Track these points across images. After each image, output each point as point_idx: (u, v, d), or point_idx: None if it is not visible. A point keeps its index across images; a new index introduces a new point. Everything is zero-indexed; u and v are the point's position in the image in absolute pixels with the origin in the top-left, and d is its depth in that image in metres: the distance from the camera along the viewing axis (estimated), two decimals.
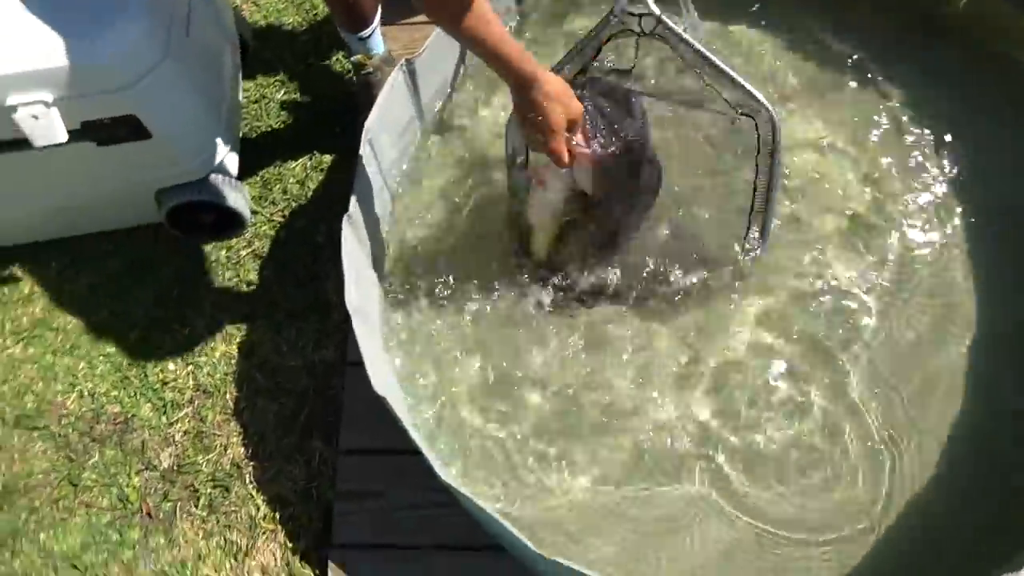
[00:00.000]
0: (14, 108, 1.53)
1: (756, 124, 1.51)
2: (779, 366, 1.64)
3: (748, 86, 1.46)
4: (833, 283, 1.71)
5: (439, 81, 1.83)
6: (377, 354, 1.49)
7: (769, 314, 1.69)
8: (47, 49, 1.50)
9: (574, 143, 1.47)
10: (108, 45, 1.51)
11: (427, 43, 1.67)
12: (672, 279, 1.68)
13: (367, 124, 1.58)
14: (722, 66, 1.45)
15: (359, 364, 1.74)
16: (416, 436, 1.38)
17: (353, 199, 1.55)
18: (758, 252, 1.67)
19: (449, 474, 1.42)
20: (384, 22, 2.04)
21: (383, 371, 1.44)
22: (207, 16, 1.83)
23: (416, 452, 1.64)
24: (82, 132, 1.63)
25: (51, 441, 1.85)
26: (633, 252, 1.70)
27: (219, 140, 1.83)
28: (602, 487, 1.57)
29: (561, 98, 1.40)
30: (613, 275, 1.69)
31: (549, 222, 1.65)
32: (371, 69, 1.89)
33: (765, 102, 1.47)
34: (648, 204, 1.66)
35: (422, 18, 1.91)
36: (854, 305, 1.69)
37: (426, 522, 1.63)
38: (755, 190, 1.60)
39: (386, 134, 1.67)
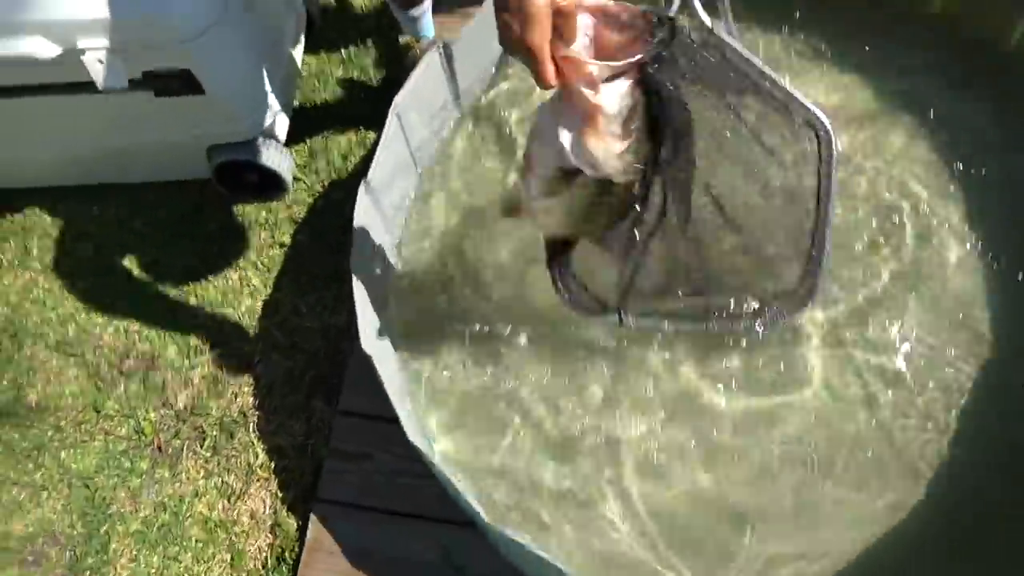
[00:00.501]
0: (83, 51, 1.66)
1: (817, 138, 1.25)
2: None
3: (800, 98, 1.23)
4: None
5: (480, 67, 1.87)
6: (370, 315, 1.54)
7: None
8: None
9: (569, 53, 0.96)
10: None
11: (467, 28, 1.72)
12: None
13: (396, 99, 1.64)
14: (774, 76, 1.22)
15: None
16: (396, 402, 1.42)
17: (374, 167, 1.61)
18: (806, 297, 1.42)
19: (427, 447, 1.45)
20: (441, 10, 2.11)
21: (373, 332, 1.48)
22: None
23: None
24: (142, 82, 1.75)
25: (84, 368, 1.98)
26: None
27: (270, 105, 1.93)
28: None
29: None
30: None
31: (562, 219, 1.18)
32: (417, 52, 1.96)
33: (819, 114, 1.23)
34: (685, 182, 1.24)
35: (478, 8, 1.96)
36: None
37: (407, 490, 1.67)
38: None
39: (416, 112, 1.72)
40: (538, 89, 0.98)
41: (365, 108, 2.21)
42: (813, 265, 1.37)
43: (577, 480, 1.58)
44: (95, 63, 1.68)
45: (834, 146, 1.24)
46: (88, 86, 1.73)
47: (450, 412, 1.69)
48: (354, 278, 1.50)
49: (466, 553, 1.59)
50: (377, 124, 2.18)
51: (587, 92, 0.96)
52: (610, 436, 1.60)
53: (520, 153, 1.90)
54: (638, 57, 0.95)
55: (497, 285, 1.77)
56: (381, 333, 1.62)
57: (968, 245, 1.69)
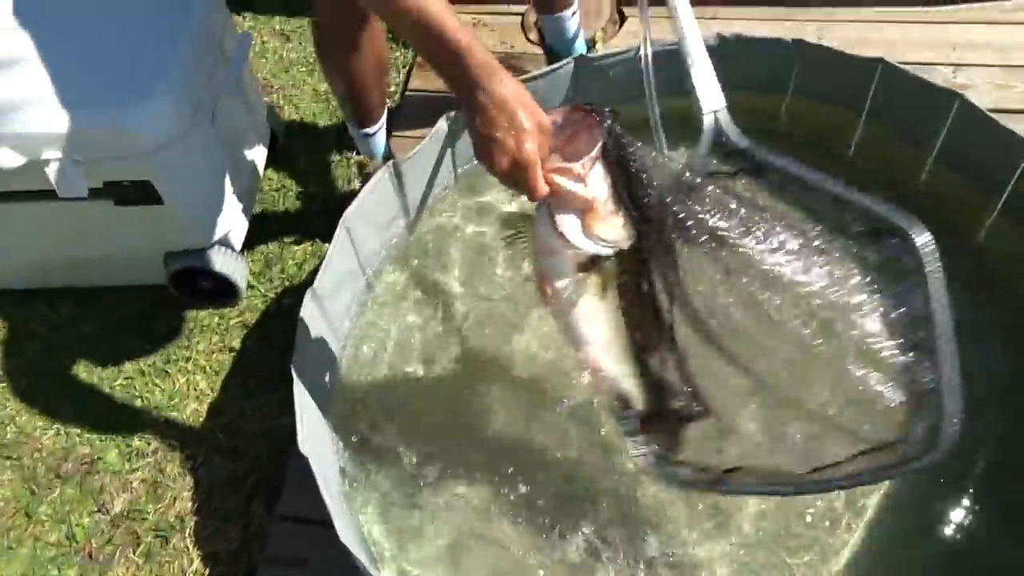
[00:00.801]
0: (47, 162, 1.75)
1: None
2: None
3: (881, 209, 1.14)
4: None
5: (427, 183, 1.99)
6: (312, 416, 1.57)
7: None
8: (76, 111, 1.72)
9: (557, 163, 1.06)
10: (136, 114, 1.73)
11: (418, 148, 1.85)
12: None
13: (345, 213, 1.74)
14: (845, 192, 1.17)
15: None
16: (330, 504, 1.43)
17: (321, 275, 1.68)
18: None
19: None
20: (398, 128, 2.25)
21: (313, 433, 1.51)
22: (235, 107, 2.06)
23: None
24: (103, 191, 1.83)
25: (19, 472, 1.95)
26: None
27: (227, 214, 2.02)
28: None
29: (527, 104, 1.04)
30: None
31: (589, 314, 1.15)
32: (371, 170, 2.08)
33: (912, 226, 1.12)
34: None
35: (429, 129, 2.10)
36: None
37: None
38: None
39: (366, 226, 1.82)
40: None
41: (322, 221, 2.31)
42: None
43: None
44: (57, 172, 1.77)
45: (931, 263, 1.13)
46: (48, 194, 1.82)
47: (392, 519, 1.69)
48: (295, 378, 1.54)
49: None
50: (331, 236, 2.29)
51: (579, 189, 1.07)
52: None
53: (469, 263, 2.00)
54: (600, 142, 1.06)
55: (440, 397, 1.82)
56: (321, 435, 1.65)
57: None
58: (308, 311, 1.62)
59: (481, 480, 1.69)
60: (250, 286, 2.18)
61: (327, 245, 2.23)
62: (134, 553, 1.81)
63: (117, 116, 1.72)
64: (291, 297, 2.16)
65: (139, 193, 1.85)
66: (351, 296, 1.88)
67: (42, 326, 2.17)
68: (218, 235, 2.02)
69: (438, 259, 2.02)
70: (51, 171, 1.75)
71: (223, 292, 2.13)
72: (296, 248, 2.26)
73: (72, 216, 1.91)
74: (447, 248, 2.03)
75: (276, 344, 2.08)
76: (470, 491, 1.68)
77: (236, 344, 2.09)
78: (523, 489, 1.66)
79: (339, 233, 1.72)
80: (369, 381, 1.86)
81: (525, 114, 1.02)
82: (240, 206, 2.08)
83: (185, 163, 1.85)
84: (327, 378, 1.79)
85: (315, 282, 1.66)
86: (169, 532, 1.83)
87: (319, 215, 2.33)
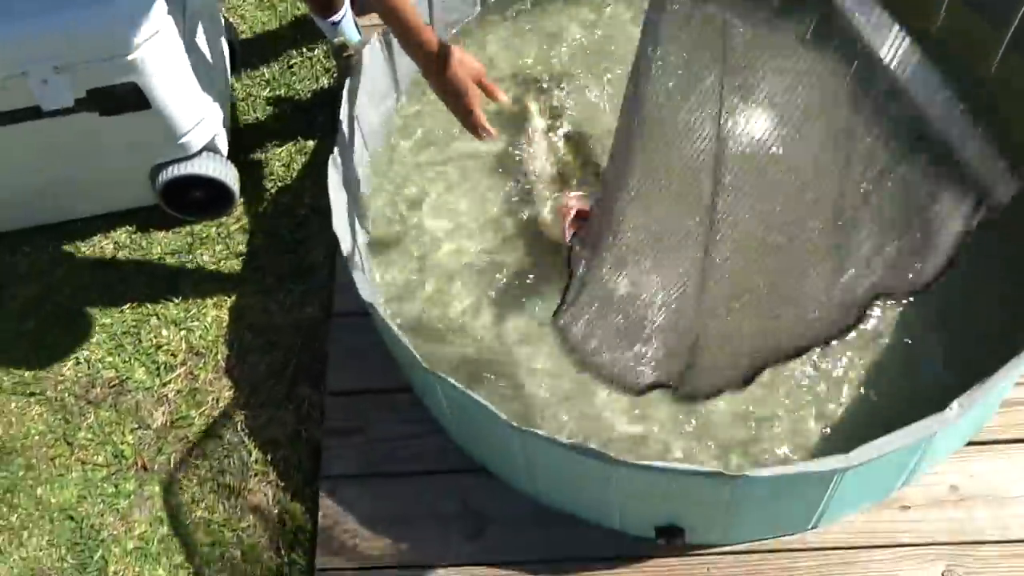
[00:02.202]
0: (25, 73, 1.68)
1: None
2: None
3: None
4: None
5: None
6: (362, 271, 1.61)
7: None
8: (55, 15, 1.65)
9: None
10: (111, 12, 1.67)
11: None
12: None
13: (347, 85, 1.75)
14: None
15: (343, 315, 1.89)
16: (399, 333, 1.47)
17: (338, 147, 1.70)
18: None
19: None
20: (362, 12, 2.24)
21: (368, 285, 1.55)
22: (202, 5, 2.01)
23: (397, 390, 1.77)
24: (88, 101, 1.77)
25: (47, 405, 1.92)
26: None
27: (211, 118, 1.98)
28: None
29: (459, 84, 1.52)
30: None
31: None
32: (352, 53, 2.07)
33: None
34: None
35: None
36: None
37: (407, 450, 1.72)
38: None
39: (367, 97, 1.83)
40: None
41: (298, 121, 2.29)
42: None
43: None
44: (39, 84, 1.70)
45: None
46: (30, 112, 1.75)
47: None
48: (340, 241, 1.57)
49: (484, 498, 1.65)
50: (312, 131, 2.28)
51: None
52: None
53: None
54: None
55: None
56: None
57: None
58: (334, 180, 1.64)
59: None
60: (242, 192, 2.15)
61: (311, 142, 2.26)
62: (190, 456, 1.82)
63: (98, 15, 1.66)
64: (287, 195, 2.14)
65: (125, 98, 1.79)
66: (360, 166, 1.90)
67: (33, 266, 2.10)
68: (206, 140, 1.98)
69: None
70: (33, 82, 1.69)
71: (217, 201, 2.10)
72: (279, 150, 2.23)
73: (57, 135, 1.84)
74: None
75: (284, 241, 2.08)
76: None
77: (242, 248, 2.08)
78: None
79: (345, 105, 1.73)
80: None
81: (459, 91, 1.53)
82: (221, 109, 2.04)
83: (167, 60, 1.80)
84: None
85: (334, 150, 1.68)
86: (221, 430, 1.84)
87: (293, 115, 2.30)
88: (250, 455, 1.81)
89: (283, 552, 1.69)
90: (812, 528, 1.52)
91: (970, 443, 1.57)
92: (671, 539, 1.49)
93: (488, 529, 1.62)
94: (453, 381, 1.39)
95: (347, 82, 1.79)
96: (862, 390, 1.61)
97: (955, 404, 1.25)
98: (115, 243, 2.12)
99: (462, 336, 1.78)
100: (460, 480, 1.67)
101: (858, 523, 1.53)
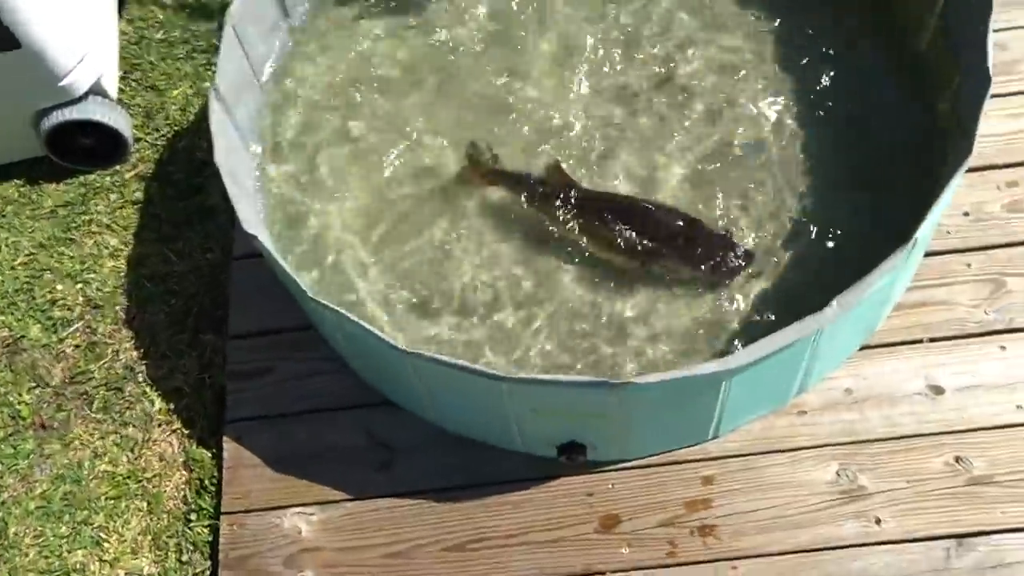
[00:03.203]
0: None
1: None
2: None
3: None
4: None
5: None
6: (247, 201, 1.56)
7: None
8: None
9: None
10: None
11: None
12: None
13: (229, 11, 1.67)
14: None
15: (243, 258, 1.84)
16: (286, 266, 1.44)
17: (218, 76, 1.63)
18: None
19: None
20: None
21: (253, 216, 1.50)
22: None
23: (299, 328, 1.74)
24: None
25: None
26: None
27: (95, 56, 1.89)
28: None
29: None
30: None
31: None
32: None
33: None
34: None
35: None
36: None
37: (318, 388, 1.69)
38: None
39: (253, 27, 1.76)
40: None
41: (192, 64, 2.20)
42: None
43: None
44: None
45: None
46: None
47: None
48: (224, 177, 1.52)
49: (390, 429, 1.63)
50: (209, 74, 2.19)
51: None
52: None
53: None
54: None
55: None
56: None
57: None
58: (216, 115, 1.58)
59: None
60: (136, 139, 2.07)
61: (207, 84, 2.18)
62: (90, 410, 1.77)
63: None
64: (185, 139, 2.07)
65: None
66: (252, 103, 1.83)
67: None
68: (90, 81, 1.89)
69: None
70: None
71: (109, 149, 2.01)
72: (175, 93, 2.15)
73: None
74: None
75: (182, 187, 2.00)
76: None
77: (138, 196, 2.00)
78: None
79: (227, 31, 1.66)
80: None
81: None
82: (108, 49, 1.95)
83: None
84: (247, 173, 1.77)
85: (215, 80, 1.61)
86: (121, 383, 1.79)
87: (187, 59, 2.21)
88: (153, 405, 1.76)
89: (190, 499, 1.66)
90: (713, 438, 1.55)
91: (864, 347, 1.60)
92: (572, 456, 1.49)
93: (396, 460, 1.61)
94: (338, 308, 1.36)
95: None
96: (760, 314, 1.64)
97: (834, 303, 1.26)
98: (2, 198, 2.03)
99: (364, 269, 1.75)
100: (366, 414, 1.66)
101: (757, 430, 1.56)
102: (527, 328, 1.65)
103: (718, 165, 1.78)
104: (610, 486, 1.55)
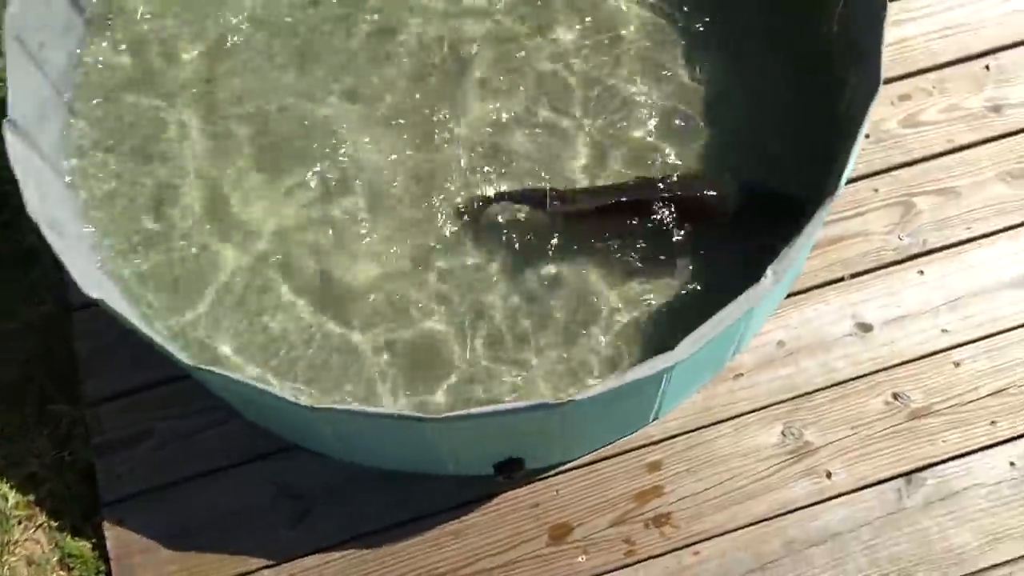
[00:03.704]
0: None
1: None
2: None
3: None
4: None
5: None
6: (81, 258, 1.29)
7: None
8: None
9: None
10: None
11: None
12: None
13: (5, 18, 1.34)
14: None
15: (86, 307, 1.55)
16: (149, 330, 1.20)
17: (11, 101, 1.31)
18: None
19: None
20: None
21: (93, 274, 1.24)
22: None
23: (174, 379, 1.49)
24: None
25: None
26: None
27: None
28: None
29: None
30: None
31: None
32: None
33: None
34: None
35: None
36: None
37: (203, 447, 1.46)
38: None
39: (41, 32, 1.42)
40: None
41: None
42: None
43: None
44: None
45: None
46: None
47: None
48: (42, 229, 1.23)
49: (299, 476, 1.43)
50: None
51: None
52: None
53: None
54: None
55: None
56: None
57: None
58: (15, 149, 1.27)
59: None
60: None
61: None
62: None
63: None
64: None
65: None
66: (56, 125, 1.51)
67: None
68: None
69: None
70: None
71: None
72: None
73: None
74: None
75: None
76: None
77: None
78: None
79: (9, 45, 1.33)
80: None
81: None
82: None
83: None
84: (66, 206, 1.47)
85: (8, 112, 1.29)
86: None
87: None
88: (6, 501, 1.47)
89: None
90: (653, 420, 1.45)
91: (789, 295, 1.54)
92: (511, 473, 1.36)
93: (313, 511, 1.42)
94: (228, 374, 1.14)
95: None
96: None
97: (769, 272, 1.16)
98: None
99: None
100: (269, 465, 1.45)
101: (697, 403, 1.47)
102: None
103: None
104: (555, 493, 1.43)
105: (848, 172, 1.22)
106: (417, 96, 1.64)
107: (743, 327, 1.31)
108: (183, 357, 1.16)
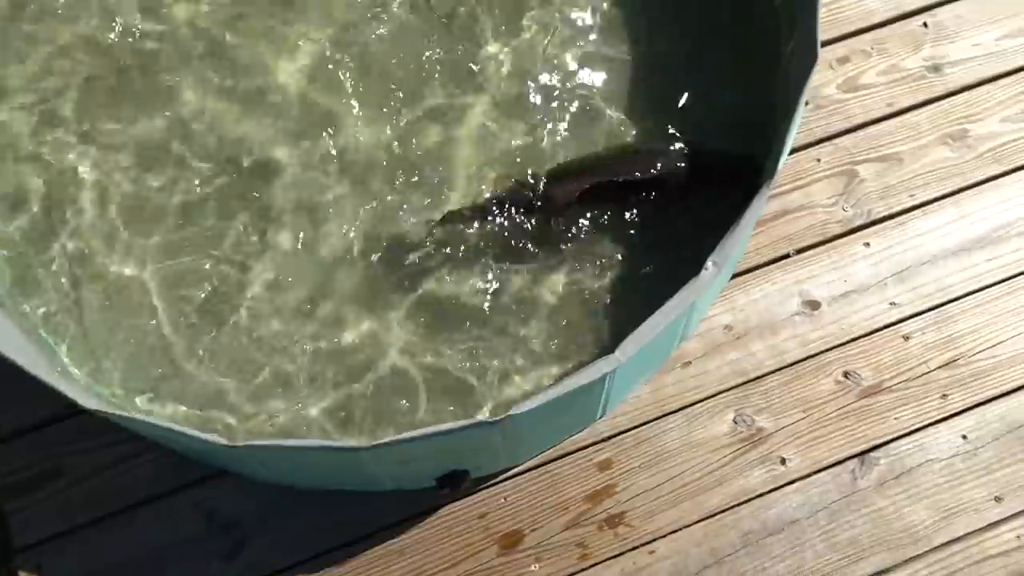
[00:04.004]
0: None
1: None
2: None
3: None
4: None
5: None
6: None
7: None
8: None
9: None
10: None
11: None
12: None
13: None
14: None
15: None
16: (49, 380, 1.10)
17: None
18: None
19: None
20: None
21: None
22: None
23: (84, 411, 1.38)
24: None
25: None
26: None
27: None
28: None
29: None
30: None
31: None
32: None
33: None
34: None
35: None
36: None
37: (123, 480, 1.36)
38: None
39: None
40: None
41: None
42: None
43: None
44: None
45: None
46: None
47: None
48: None
49: (232, 504, 1.34)
50: None
51: None
52: None
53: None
54: None
55: None
56: None
57: None
58: None
59: None
60: None
61: None
62: None
63: None
64: None
65: None
66: None
67: None
68: None
69: None
70: None
71: None
72: None
73: None
74: None
75: None
76: None
77: None
78: None
79: None
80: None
81: None
82: None
83: None
84: None
85: None
86: None
87: None
88: None
89: None
90: (601, 417, 1.39)
91: (735, 275, 1.48)
92: (455, 486, 1.29)
93: (249, 540, 1.33)
94: (140, 417, 1.05)
95: None
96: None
97: (709, 263, 1.10)
98: None
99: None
100: (197, 493, 1.35)
101: (646, 395, 1.41)
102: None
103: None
104: (503, 500, 1.36)
105: (784, 158, 1.15)
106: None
107: (686, 320, 1.25)
108: (88, 403, 1.06)
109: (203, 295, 1.42)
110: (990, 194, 1.54)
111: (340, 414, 1.34)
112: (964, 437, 1.39)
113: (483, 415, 1.29)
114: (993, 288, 1.47)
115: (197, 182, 1.47)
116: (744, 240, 1.12)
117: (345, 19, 1.58)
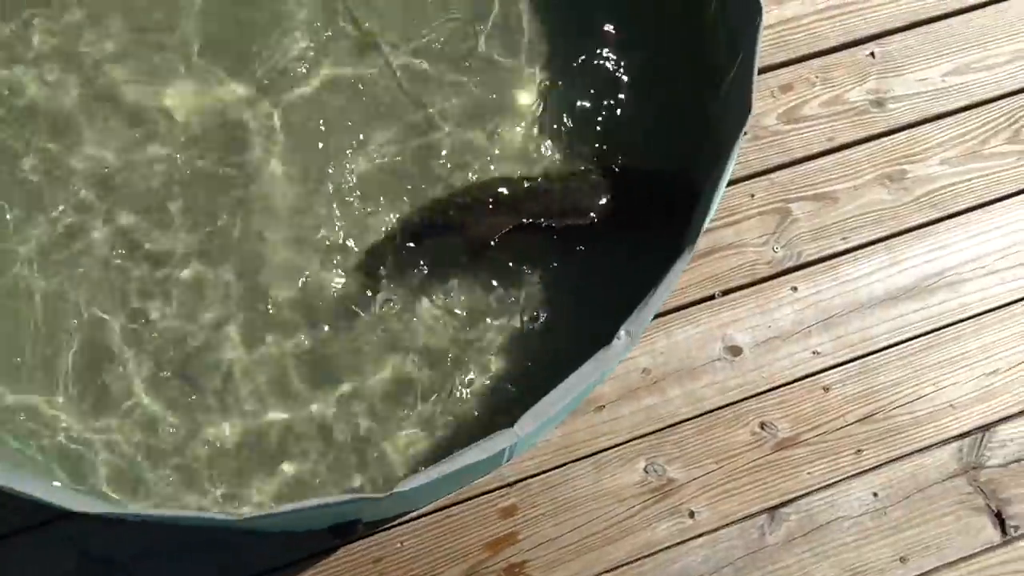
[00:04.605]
0: None
1: None
2: None
3: None
4: None
5: None
6: None
7: None
8: None
9: None
10: None
11: None
12: None
13: None
14: None
15: None
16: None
17: None
18: None
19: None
20: None
21: None
22: None
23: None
24: None
25: None
26: None
27: None
28: None
29: None
30: None
31: None
32: None
33: None
34: None
35: None
36: None
37: None
38: None
39: None
40: None
41: None
42: None
43: None
44: None
45: None
46: None
47: None
48: None
49: (108, 539, 1.25)
50: None
51: None
52: None
53: None
54: None
55: None
56: None
57: None
58: None
59: None
60: None
61: None
62: None
63: None
64: None
65: None
66: None
67: None
68: None
69: None
70: None
71: None
72: None
73: None
74: None
75: None
76: None
77: None
78: None
79: None
80: None
81: None
82: None
83: None
84: None
85: None
86: None
87: None
88: None
89: None
90: (508, 461, 1.33)
91: (657, 316, 1.42)
92: (347, 534, 1.22)
93: None
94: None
95: None
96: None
97: (622, 332, 1.03)
98: None
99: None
100: (71, 528, 1.26)
101: (555, 440, 1.35)
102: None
103: None
104: (399, 545, 1.30)
105: (708, 222, 1.08)
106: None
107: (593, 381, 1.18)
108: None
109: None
110: (923, 241, 1.50)
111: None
112: (875, 495, 1.37)
113: (370, 487, 1.22)
114: (916, 340, 1.44)
115: None
116: (656, 308, 1.05)
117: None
